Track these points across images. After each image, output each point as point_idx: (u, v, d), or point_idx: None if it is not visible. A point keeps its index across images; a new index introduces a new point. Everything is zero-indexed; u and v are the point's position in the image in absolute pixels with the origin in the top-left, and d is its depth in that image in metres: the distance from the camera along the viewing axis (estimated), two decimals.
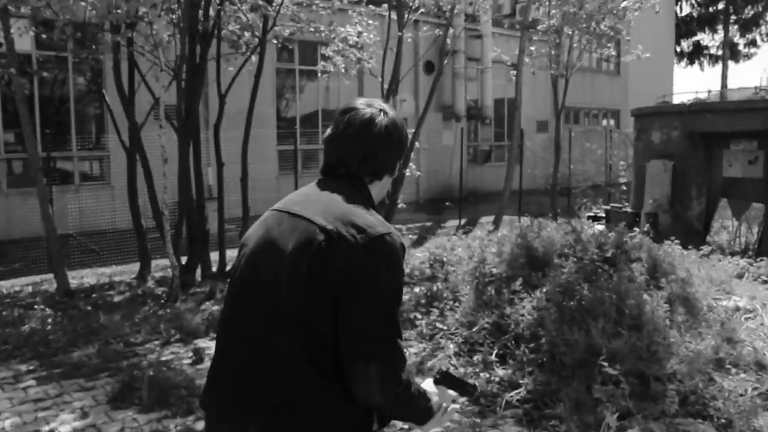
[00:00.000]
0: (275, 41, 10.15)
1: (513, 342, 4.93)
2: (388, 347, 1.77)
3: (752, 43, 33.60)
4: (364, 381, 1.76)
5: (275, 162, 15.50)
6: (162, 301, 7.36)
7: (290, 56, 16.42)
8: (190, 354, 5.56)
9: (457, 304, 5.77)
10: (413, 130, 11.28)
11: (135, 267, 9.54)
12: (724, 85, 32.94)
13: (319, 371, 1.79)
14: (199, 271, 8.90)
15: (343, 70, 10.90)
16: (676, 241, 8.11)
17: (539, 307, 5.07)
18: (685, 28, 33.67)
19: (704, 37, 34.74)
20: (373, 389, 1.76)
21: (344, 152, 1.98)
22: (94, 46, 8.90)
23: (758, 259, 9.31)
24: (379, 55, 11.17)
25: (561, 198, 19.78)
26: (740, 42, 33.69)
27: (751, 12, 32.68)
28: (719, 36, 33.64)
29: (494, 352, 4.91)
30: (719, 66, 34.90)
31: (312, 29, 9.47)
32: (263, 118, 15.30)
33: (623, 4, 11.55)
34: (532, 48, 13.26)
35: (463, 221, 15.50)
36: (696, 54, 35.07)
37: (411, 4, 10.94)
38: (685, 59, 35.48)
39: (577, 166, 16.79)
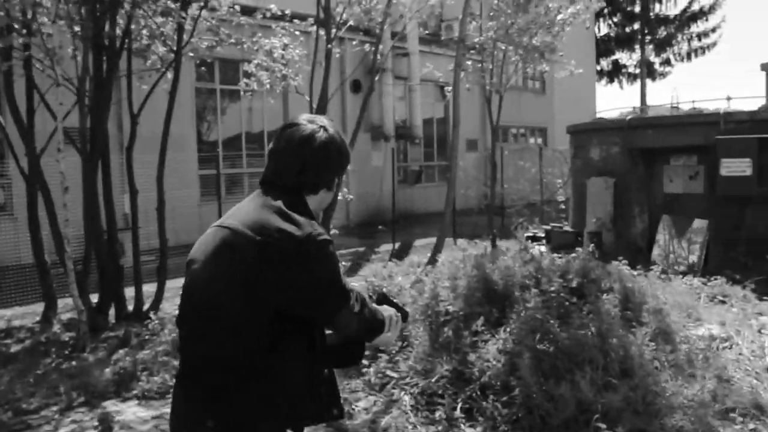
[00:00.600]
0: (192, 55, 9.32)
1: (479, 393, 4.25)
2: (346, 296, 2.09)
3: (667, 62, 34.40)
4: (345, 325, 2.13)
5: (197, 187, 14.51)
6: (67, 352, 6.38)
7: (210, 75, 15.48)
8: (96, 423, 4.65)
9: (408, 347, 5.06)
10: None
11: (41, 308, 8.46)
12: (643, 102, 33.59)
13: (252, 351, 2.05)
14: (113, 311, 7.94)
15: (267, 87, 10.13)
16: (624, 261, 7.68)
17: (506, 350, 4.41)
18: (604, 47, 34.25)
19: (622, 56, 35.46)
20: (351, 324, 2.12)
21: (283, 166, 2.15)
22: None
23: (709, 278, 9.01)
24: (305, 72, 10.46)
25: (495, 218, 19.46)
26: (656, 61, 34.48)
27: (665, 33, 33.53)
28: (636, 55, 34.36)
29: (458, 406, 4.22)
30: (637, 84, 35.66)
31: (233, 40, 8.66)
32: (183, 140, 14.33)
33: (559, 17, 11.21)
34: (469, 62, 12.78)
35: (397, 245, 14.85)
36: (615, 72, 35.70)
37: (338, 18, 10.28)
38: (605, 77, 36.09)
39: (511, 185, 16.40)
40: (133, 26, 7.91)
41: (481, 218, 19.03)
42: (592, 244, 11.03)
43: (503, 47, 11.99)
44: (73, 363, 5.97)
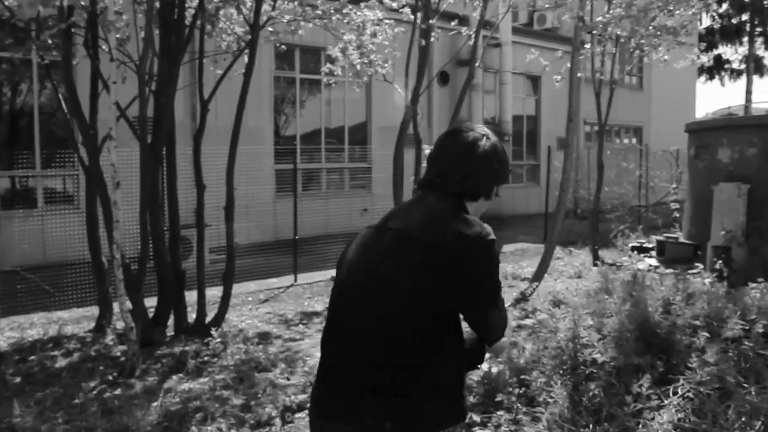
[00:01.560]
0: (272, 38, 8.32)
1: None
2: (500, 296, 2.08)
3: None
4: (492, 325, 2.08)
5: (272, 183, 13.61)
6: (113, 375, 5.43)
7: (290, 64, 14.55)
8: None
9: (534, 402, 3.84)
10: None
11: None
12: (748, 100, 31.13)
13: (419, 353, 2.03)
14: (172, 320, 7.02)
15: (355, 71, 9.08)
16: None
17: (684, 426, 3.13)
18: (705, 40, 31.90)
19: (726, 50, 33.00)
20: (498, 324, 2.08)
21: (446, 172, 2.15)
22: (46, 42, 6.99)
23: None
24: (395, 59, 9.34)
25: (583, 222, 17.90)
26: (765, 55, 31.97)
27: None
28: (742, 49, 31.86)
29: None
30: (740, 80, 33.15)
31: (319, 12, 7.57)
32: (259, 133, 13.45)
33: None
34: (559, 53, 11.42)
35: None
36: (717, 68, 33.27)
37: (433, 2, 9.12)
38: (705, 74, 33.68)
39: (612, 187, 14.83)
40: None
41: (573, 223, 17.53)
42: (720, 261, 9.55)
43: (620, 31, 10.53)
44: (117, 392, 4.99)
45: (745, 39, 31.31)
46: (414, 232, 2.02)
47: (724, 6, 31.36)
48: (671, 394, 3.38)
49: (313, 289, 10.05)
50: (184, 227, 7.59)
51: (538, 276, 8.30)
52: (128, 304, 5.63)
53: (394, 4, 8.48)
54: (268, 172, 13.49)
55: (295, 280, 10.48)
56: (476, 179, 2.13)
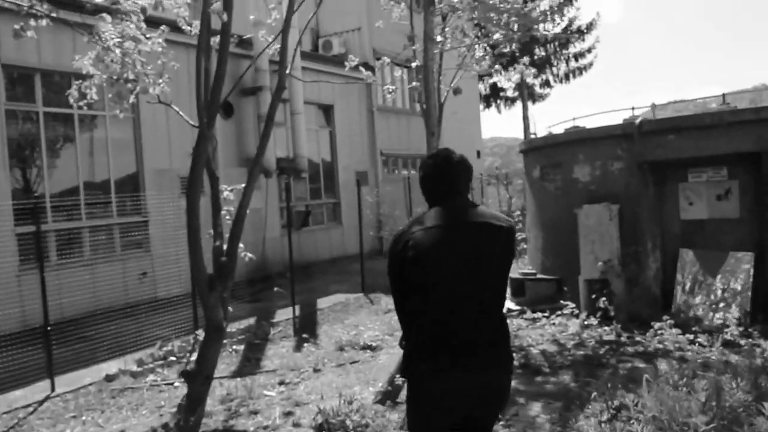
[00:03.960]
0: None
1: None
2: None
3: (546, 83, 33.09)
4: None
5: (13, 252, 10.12)
6: None
7: (29, 93, 11.18)
8: None
9: None
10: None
11: None
12: (526, 126, 31.95)
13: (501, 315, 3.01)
14: None
15: (119, 91, 6.31)
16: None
17: None
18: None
19: (501, 79, 33.75)
20: None
21: (458, 181, 3.06)
22: None
23: None
24: (177, 75, 6.73)
25: None
26: (535, 83, 33.03)
27: (543, 54, 32.15)
28: (516, 76, 32.62)
29: None
30: (515, 108, 34.16)
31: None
32: None
33: None
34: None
35: (297, 309, 11.13)
36: (493, 96, 33.97)
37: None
38: (482, 101, 34.25)
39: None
40: None
41: (386, 263, 15.64)
42: (603, 298, 7.99)
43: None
44: None
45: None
46: (489, 220, 2.94)
47: (496, 36, 32.02)
48: None
49: (81, 400, 6.97)
50: None
51: None
52: None
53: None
54: (7, 238, 9.99)
55: (53, 388, 7.31)
56: (469, 182, 3.16)
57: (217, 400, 6.32)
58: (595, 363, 6.40)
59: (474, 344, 2.78)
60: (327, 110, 18.98)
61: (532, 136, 16.38)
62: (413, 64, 10.15)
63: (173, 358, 8.21)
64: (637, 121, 7.96)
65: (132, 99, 6.74)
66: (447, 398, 2.76)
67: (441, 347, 2.76)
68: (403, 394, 5.75)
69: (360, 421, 5.09)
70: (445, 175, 3.00)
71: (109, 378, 7.51)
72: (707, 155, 7.68)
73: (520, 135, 30.96)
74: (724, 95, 8.03)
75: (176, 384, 7.22)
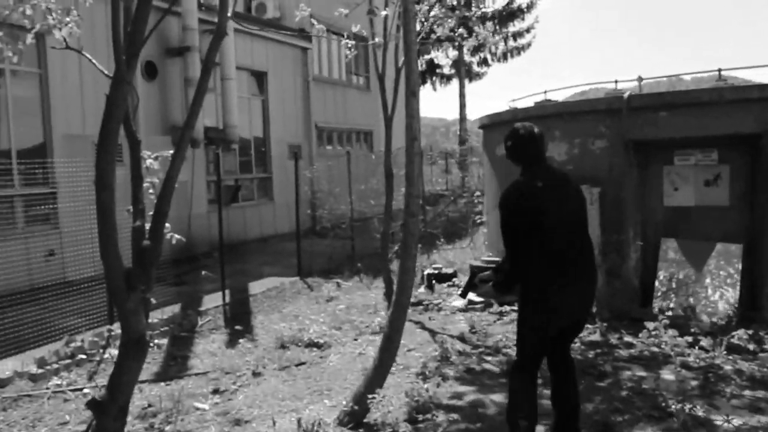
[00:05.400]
0: None
1: None
2: None
3: (484, 62, 32.29)
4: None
5: None
6: None
7: None
8: None
9: None
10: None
11: None
12: (462, 104, 31.14)
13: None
14: None
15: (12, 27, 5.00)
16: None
17: None
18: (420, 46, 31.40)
19: (438, 55, 32.77)
20: None
21: (543, 148, 3.91)
22: None
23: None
24: (91, 13, 5.41)
25: (324, 242, 15.00)
26: (473, 60, 32.20)
27: (483, 31, 31.28)
28: (453, 53, 31.72)
29: None
30: (451, 86, 33.35)
31: None
32: None
33: None
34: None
35: (227, 295, 9.92)
36: (429, 73, 32.96)
37: None
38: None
39: (380, 199, 12.04)
40: None
41: (313, 243, 14.50)
42: None
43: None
44: None
45: (456, 44, 31.27)
46: (573, 182, 3.94)
47: (434, 11, 31.02)
48: None
49: None
50: None
51: (383, 365, 4.85)
52: None
53: None
54: None
55: None
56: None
57: (135, 416, 5.12)
58: (588, 371, 5.51)
59: (583, 266, 3.81)
60: (260, 77, 17.57)
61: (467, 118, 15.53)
62: (354, 30, 9.24)
63: (83, 356, 6.91)
64: (626, 94, 7.08)
65: (30, 40, 5.42)
66: (566, 305, 3.70)
67: (564, 268, 3.67)
68: (371, 416, 4.69)
69: None
70: (535, 143, 3.86)
71: (2, 383, 6.17)
72: (699, 136, 6.87)
73: (446, 116, 30.19)
74: (720, 70, 7.24)
75: (86, 390, 5.97)
